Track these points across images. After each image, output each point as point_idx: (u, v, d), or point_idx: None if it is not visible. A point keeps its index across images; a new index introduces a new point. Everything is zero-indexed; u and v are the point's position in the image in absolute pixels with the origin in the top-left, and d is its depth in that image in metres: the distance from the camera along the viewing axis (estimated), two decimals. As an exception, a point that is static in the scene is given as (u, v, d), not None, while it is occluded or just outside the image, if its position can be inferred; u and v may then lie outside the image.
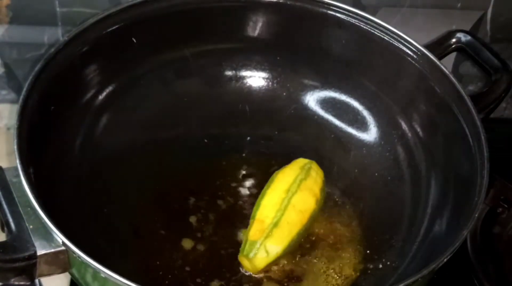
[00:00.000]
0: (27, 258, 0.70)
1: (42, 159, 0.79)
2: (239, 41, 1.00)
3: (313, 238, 0.88)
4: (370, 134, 0.98)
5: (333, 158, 0.95)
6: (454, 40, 0.97)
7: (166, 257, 0.84)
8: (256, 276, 0.84)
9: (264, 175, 0.93)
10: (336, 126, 0.99)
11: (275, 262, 0.84)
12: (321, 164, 0.94)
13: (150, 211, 0.88)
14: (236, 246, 0.86)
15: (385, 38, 0.93)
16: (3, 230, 0.75)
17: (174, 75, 0.98)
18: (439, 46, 0.96)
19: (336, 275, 0.84)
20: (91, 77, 0.91)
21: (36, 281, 0.85)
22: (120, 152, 0.91)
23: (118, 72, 0.93)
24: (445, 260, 0.72)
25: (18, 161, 0.73)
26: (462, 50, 0.96)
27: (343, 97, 0.99)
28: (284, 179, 0.89)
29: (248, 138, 0.98)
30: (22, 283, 0.72)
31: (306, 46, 0.99)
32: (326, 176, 0.92)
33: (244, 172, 0.95)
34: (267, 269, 0.84)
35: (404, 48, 0.92)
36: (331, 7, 0.95)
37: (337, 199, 0.93)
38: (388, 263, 0.85)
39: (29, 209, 0.73)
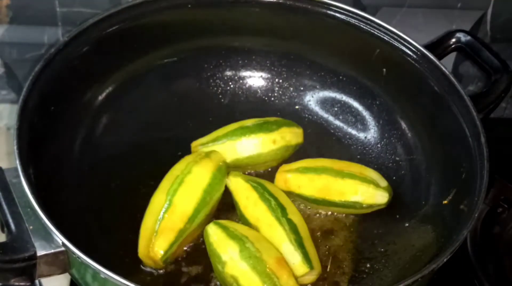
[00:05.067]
0: (27, 258, 0.70)
1: (42, 159, 0.79)
2: (239, 41, 1.00)
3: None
4: (370, 134, 0.98)
5: (333, 158, 0.95)
6: (454, 40, 0.96)
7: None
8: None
9: (264, 175, 0.94)
10: (336, 126, 1.00)
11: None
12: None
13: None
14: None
15: (385, 38, 0.93)
16: (3, 231, 0.75)
17: (174, 75, 0.98)
18: (439, 46, 0.96)
19: (335, 275, 0.85)
20: (91, 77, 0.91)
21: (36, 282, 0.85)
22: (119, 152, 0.91)
23: (118, 72, 0.93)
24: (445, 260, 0.72)
25: (18, 162, 0.73)
26: (462, 50, 0.96)
27: (343, 97, 0.99)
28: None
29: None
30: (22, 283, 0.72)
31: (306, 46, 0.99)
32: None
33: (245, 172, 0.95)
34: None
35: (404, 48, 0.92)
36: (331, 7, 0.95)
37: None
38: (388, 262, 0.85)
39: (29, 209, 0.73)
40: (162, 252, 0.80)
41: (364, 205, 0.88)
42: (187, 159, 0.87)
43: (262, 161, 0.92)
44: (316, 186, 0.89)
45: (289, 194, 0.90)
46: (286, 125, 0.93)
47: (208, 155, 0.87)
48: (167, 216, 0.81)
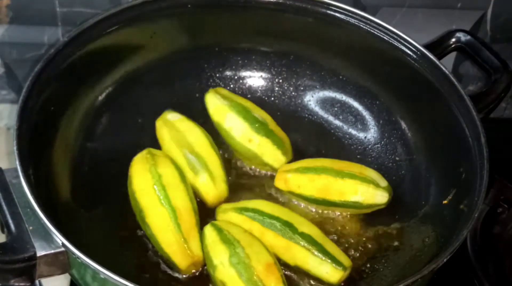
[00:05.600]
0: (27, 259, 0.70)
1: (42, 160, 0.79)
2: (239, 41, 1.00)
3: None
4: (370, 134, 0.98)
5: (333, 158, 0.94)
6: (454, 40, 0.97)
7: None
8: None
9: (264, 174, 0.94)
10: (336, 126, 1.00)
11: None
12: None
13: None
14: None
15: (385, 38, 0.93)
16: (3, 231, 0.75)
17: (174, 75, 0.98)
18: (439, 46, 0.96)
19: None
20: (91, 77, 0.91)
21: (36, 282, 0.85)
22: (120, 152, 0.91)
23: (118, 72, 0.93)
24: (445, 260, 0.72)
25: (17, 162, 0.73)
26: (462, 50, 0.96)
27: (343, 97, 0.99)
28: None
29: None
30: (22, 284, 0.72)
31: (306, 46, 0.99)
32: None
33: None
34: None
35: (404, 48, 0.92)
36: (331, 7, 0.95)
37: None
38: (388, 262, 0.85)
39: (28, 210, 0.73)
40: (201, 251, 0.82)
41: (364, 205, 0.88)
42: (142, 169, 0.86)
43: (234, 145, 0.93)
44: (316, 186, 0.89)
45: (289, 194, 0.90)
46: (273, 142, 0.92)
47: (152, 154, 0.87)
48: (180, 221, 0.82)
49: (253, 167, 0.95)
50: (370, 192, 0.88)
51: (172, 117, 0.93)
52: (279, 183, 0.91)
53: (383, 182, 0.89)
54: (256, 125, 0.92)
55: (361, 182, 0.88)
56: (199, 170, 0.88)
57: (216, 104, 0.95)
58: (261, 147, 0.92)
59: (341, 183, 0.88)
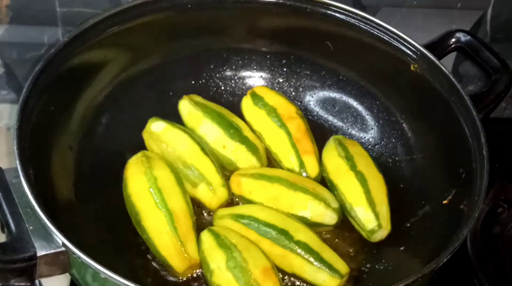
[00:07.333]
0: (27, 259, 0.70)
1: (42, 159, 0.79)
2: (239, 41, 1.00)
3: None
4: (370, 134, 0.98)
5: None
6: (453, 40, 0.97)
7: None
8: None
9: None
10: (336, 126, 1.00)
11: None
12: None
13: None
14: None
15: (385, 38, 0.93)
16: (3, 231, 0.75)
17: (174, 75, 0.98)
18: (439, 46, 0.96)
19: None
20: (91, 77, 0.91)
21: (36, 282, 0.85)
22: (120, 152, 0.91)
23: (118, 72, 0.93)
24: (445, 260, 0.72)
25: (18, 162, 0.73)
26: (462, 50, 0.97)
27: (343, 97, 0.99)
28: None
29: (248, 138, 0.98)
30: (22, 284, 0.72)
31: (306, 46, 0.99)
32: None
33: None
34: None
35: (404, 48, 0.92)
36: (331, 7, 0.95)
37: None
38: (388, 262, 0.85)
39: (29, 210, 0.73)
40: (197, 253, 0.82)
41: (311, 222, 0.86)
42: (137, 172, 0.86)
43: (209, 150, 0.92)
44: (267, 194, 0.88)
45: (240, 198, 0.90)
46: (248, 148, 0.92)
47: (147, 156, 0.87)
48: (177, 224, 0.82)
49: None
50: (320, 210, 0.86)
51: (156, 127, 0.92)
52: (232, 185, 0.90)
53: (335, 204, 0.88)
54: (231, 131, 0.92)
55: (313, 198, 0.86)
56: (196, 182, 0.88)
57: (190, 110, 0.94)
58: (236, 153, 0.92)
59: (292, 195, 0.87)
